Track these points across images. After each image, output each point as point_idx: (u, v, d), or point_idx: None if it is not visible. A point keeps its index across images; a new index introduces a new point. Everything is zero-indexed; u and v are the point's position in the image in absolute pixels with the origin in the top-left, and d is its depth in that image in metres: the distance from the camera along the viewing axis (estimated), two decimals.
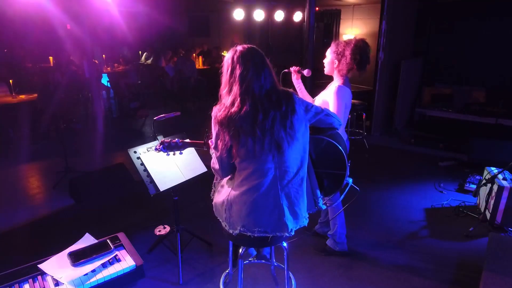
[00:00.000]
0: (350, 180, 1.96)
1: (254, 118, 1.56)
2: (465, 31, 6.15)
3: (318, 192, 1.88)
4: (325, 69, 2.54)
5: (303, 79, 2.63)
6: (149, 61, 9.89)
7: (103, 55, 8.93)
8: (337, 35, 8.67)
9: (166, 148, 1.97)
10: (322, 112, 1.77)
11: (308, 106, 1.71)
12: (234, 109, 1.57)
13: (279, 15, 6.98)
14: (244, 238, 1.73)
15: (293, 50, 8.61)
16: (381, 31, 5.50)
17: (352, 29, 8.44)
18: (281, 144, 1.59)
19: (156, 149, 2.02)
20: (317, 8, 6.95)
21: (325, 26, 8.55)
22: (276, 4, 7.15)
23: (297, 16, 7.02)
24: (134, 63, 10.08)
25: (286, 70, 2.54)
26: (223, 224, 1.80)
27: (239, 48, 1.63)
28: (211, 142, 1.80)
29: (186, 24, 12.15)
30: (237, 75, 1.58)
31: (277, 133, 1.57)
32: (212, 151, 1.86)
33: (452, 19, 6.27)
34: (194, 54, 9.79)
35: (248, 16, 6.89)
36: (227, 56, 1.65)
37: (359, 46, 2.34)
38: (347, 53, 2.35)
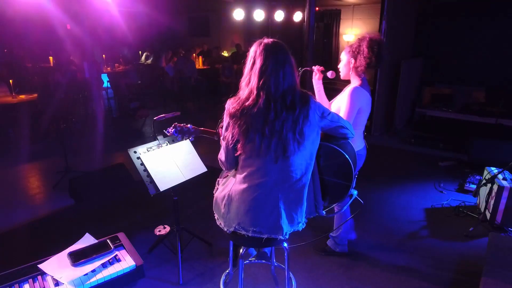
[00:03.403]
0: (355, 193, 1.90)
1: (265, 116, 1.54)
2: (465, 31, 6.15)
3: (320, 198, 1.84)
4: (340, 73, 2.43)
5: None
6: (149, 61, 9.90)
7: (103, 55, 8.94)
8: (337, 35, 8.66)
9: (178, 132, 1.97)
10: (338, 122, 1.72)
11: (325, 113, 1.65)
12: (248, 103, 1.56)
13: (279, 15, 6.98)
14: (238, 236, 1.74)
15: (293, 50, 8.61)
16: (381, 31, 5.50)
17: (352, 29, 8.43)
18: (287, 148, 1.57)
19: (167, 131, 2.01)
20: (317, 8, 6.95)
21: (325, 26, 8.56)
22: (276, 4, 7.15)
23: (297, 16, 7.02)
24: (134, 63, 10.09)
25: (308, 68, 2.42)
26: (218, 222, 1.80)
27: (265, 41, 1.61)
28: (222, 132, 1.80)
29: (186, 24, 12.15)
30: (257, 69, 1.56)
31: (285, 136, 1.55)
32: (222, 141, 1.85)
33: (452, 19, 6.27)
34: (194, 54, 9.78)
35: (248, 16, 6.89)
36: (253, 47, 1.62)
37: (375, 39, 2.23)
38: (364, 47, 2.23)
